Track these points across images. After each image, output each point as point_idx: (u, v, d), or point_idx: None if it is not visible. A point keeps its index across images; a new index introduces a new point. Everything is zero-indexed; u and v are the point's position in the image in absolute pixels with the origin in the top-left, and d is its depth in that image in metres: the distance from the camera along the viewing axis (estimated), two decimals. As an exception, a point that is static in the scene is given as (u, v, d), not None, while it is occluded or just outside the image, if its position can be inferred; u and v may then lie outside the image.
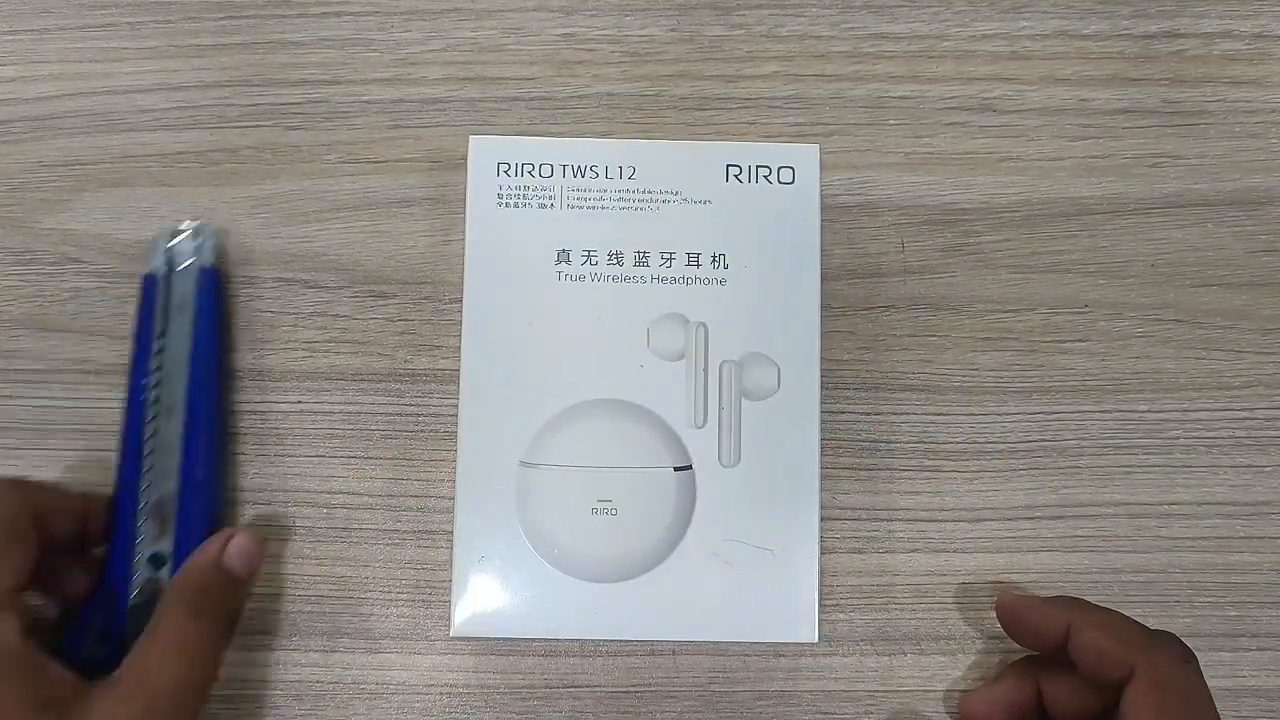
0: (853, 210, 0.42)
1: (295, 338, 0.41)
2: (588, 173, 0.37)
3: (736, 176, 0.37)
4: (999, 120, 0.43)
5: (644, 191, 0.37)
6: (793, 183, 0.38)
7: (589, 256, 0.37)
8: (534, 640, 0.38)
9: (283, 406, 0.41)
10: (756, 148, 0.38)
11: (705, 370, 0.37)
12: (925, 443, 0.41)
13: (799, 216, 0.38)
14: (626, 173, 0.37)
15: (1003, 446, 0.41)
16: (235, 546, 0.36)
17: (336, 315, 0.41)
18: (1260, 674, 0.40)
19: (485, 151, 0.38)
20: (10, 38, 0.43)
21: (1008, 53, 0.43)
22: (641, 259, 0.37)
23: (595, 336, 0.37)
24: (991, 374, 0.42)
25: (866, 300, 0.42)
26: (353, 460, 0.40)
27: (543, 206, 0.37)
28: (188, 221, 0.40)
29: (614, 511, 0.36)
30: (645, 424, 0.36)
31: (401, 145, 0.42)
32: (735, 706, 0.40)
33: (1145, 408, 0.41)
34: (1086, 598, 0.37)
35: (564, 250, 0.37)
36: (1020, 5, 0.43)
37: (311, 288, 0.41)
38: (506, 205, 0.37)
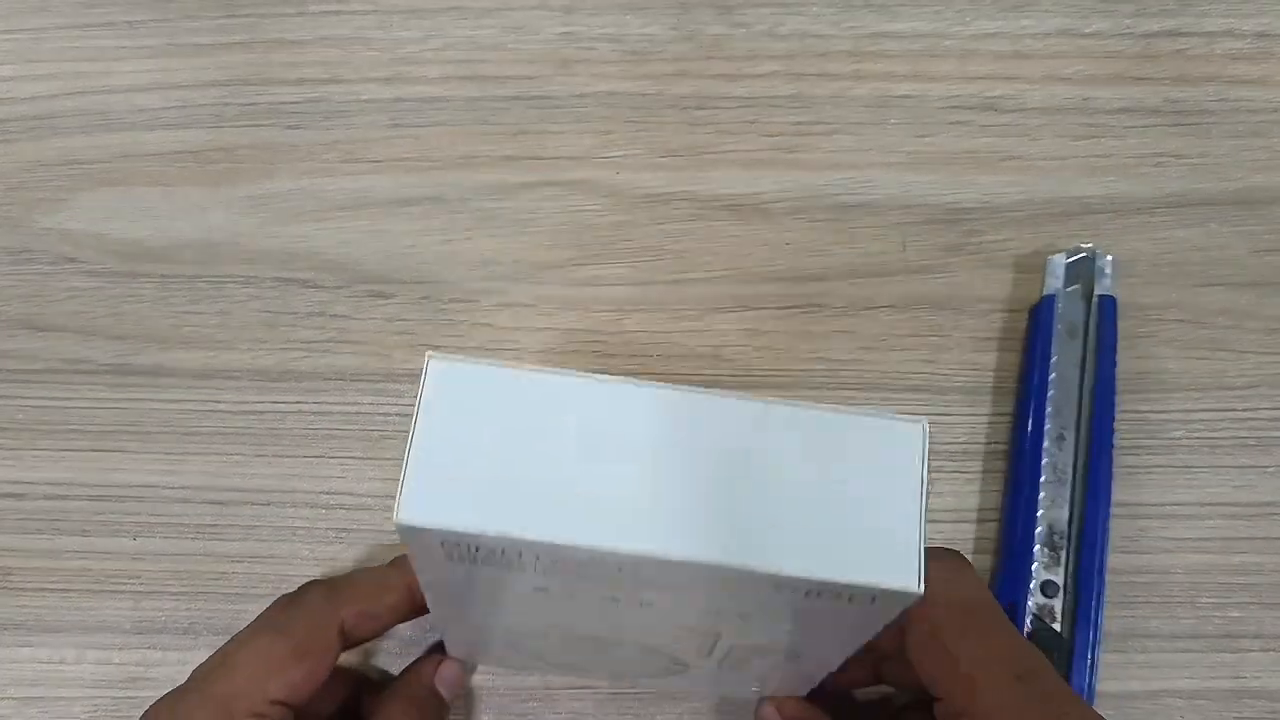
0: (855, 209, 0.42)
1: (294, 338, 0.41)
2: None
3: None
4: (1001, 119, 0.43)
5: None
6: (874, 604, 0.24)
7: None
8: None
9: (281, 406, 0.41)
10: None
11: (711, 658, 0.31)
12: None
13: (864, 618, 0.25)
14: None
15: (1002, 447, 0.41)
16: (445, 672, 0.36)
17: (335, 315, 0.41)
18: (1263, 675, 0.40)
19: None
20: (7, 36, 0.43)
21: (1010, 52, 0.43)
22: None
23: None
24: (993, 374, 0.41)
25: (867, 300, 0.42)
26: (351, 460, 0.40)
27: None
28: (1082, 245, 0.40)
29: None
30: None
31: (401, 145, 0.42)
32: (737, 708, 0.39)
33: (1148, 408, 0.41)
34: (1089, 599, 0.37)
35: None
36: (1022, 4, 0.43)
37: (310, 287, 0.41)
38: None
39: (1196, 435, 0.41)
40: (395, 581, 0.33)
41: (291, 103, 0.42)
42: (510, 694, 0.39)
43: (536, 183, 0.42)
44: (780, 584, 0.22)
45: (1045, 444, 0.38)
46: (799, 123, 0.42)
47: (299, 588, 0.33)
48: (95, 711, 0.39)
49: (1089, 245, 0.39)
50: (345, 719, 0.36)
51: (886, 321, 0.41)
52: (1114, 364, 0.39)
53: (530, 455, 0.22)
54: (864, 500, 0.23)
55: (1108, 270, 0.40)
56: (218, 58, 0.42)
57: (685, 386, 0.23)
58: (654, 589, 0.24)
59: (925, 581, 0.22)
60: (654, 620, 0.26)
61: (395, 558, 0.34)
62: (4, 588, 0.40)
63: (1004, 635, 0.29)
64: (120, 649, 0.39)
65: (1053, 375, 0.39)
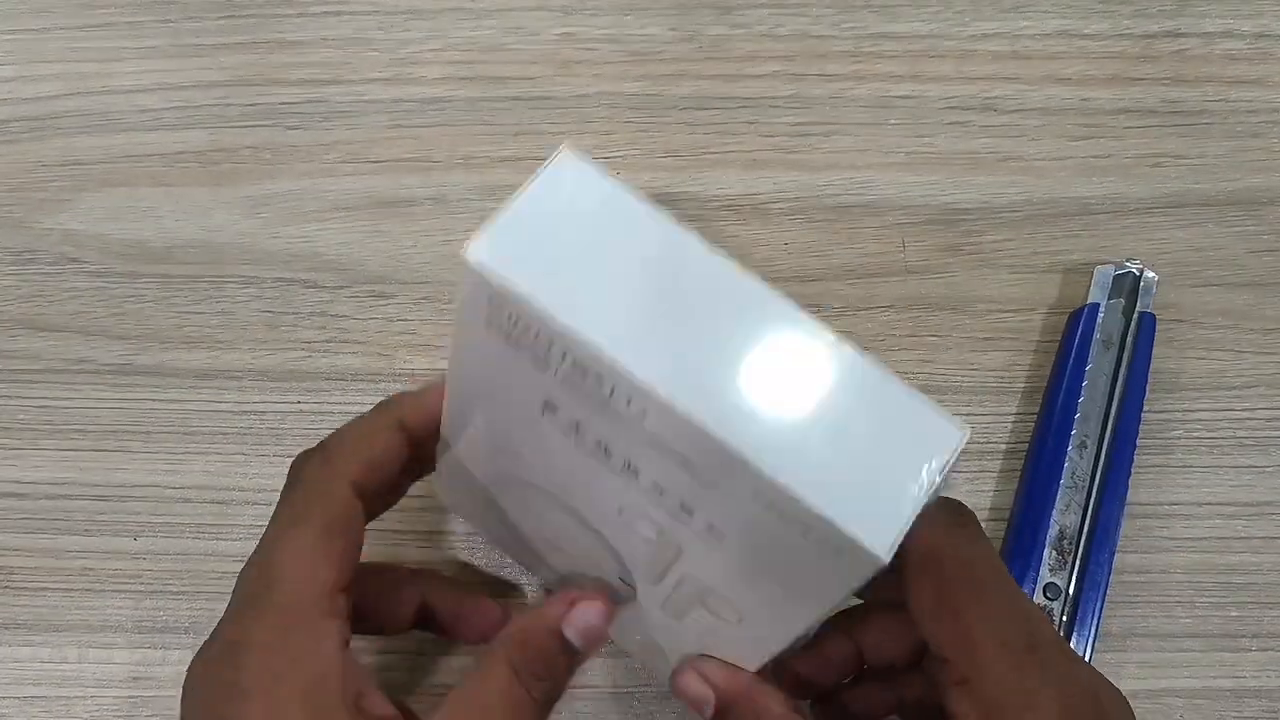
0: (854, 210, 0.42)
1: (295, 338, 0.41)
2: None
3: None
4: (1000, 120, 0.43)
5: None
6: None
7: (578, 428, 0.25)
8: None
9: (282, 406, 0.41)
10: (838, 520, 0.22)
11: (663, 576, 0.29)
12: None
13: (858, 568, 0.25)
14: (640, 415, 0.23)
15: (1003, 446, 0.41)
16: (581, 616, 0.30)
17: (336, 315, 0.41)
18: (1262, 674, 0.40)
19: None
20: (10, 37, 0.43)
21: (1009, 52, 0.43)
22: (628, 466, 0.25)
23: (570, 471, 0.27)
24: (992, 374, 0.41)
25: (866, 300, 0.42)
26: (352, 460, 0.40)
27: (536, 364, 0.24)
28: (1131, 263, 0.40)
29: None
30: (603, 548, 0.30)
31: (401, 145, 0.42)
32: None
33: (1147, 407, 0.41)
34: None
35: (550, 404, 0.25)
36: (1021, 5, 0.43)
37: (311, 288, 0.41)
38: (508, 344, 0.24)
39: (1195, 435, 0.41)
40: (382, 422, 0.31)
41: (293, 103, 0.42)
42: (511, 693, 0.39)
43: (537, 183, 0.42)
44: (760, 489, 0.22)
45: (1069, 449, 0.39)
46: (799, 123, 0.42)
47: (290, 468, 0.31)
48: (97, 711, 0.39)
49: (1137, 261, 0.40)
50: (425, 627, 0.34)
51: (885, 321, 0.42)
52: (1146, 379, 0.40)
53: (606, 268, 0.23)
54: (878, 465, 0.23)
55: (1153, 289, 0.40)
56: (219, 58, 0.42)
57: (780, 291, 0.23)
58: (647, 449, 0.24)
59: (897, 557, 0.22)
60: (630, 501, 0.26)
61: (378, 403, 0.31)
62: (6, 587, 0.40)
63: (1013, 601, 0.28)
64: (122, 648, 0.39)
65: (1085, 382, 0.39)
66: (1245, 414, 0.41)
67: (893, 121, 0.42)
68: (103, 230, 0.42)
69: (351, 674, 0.27)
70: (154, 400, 0.41)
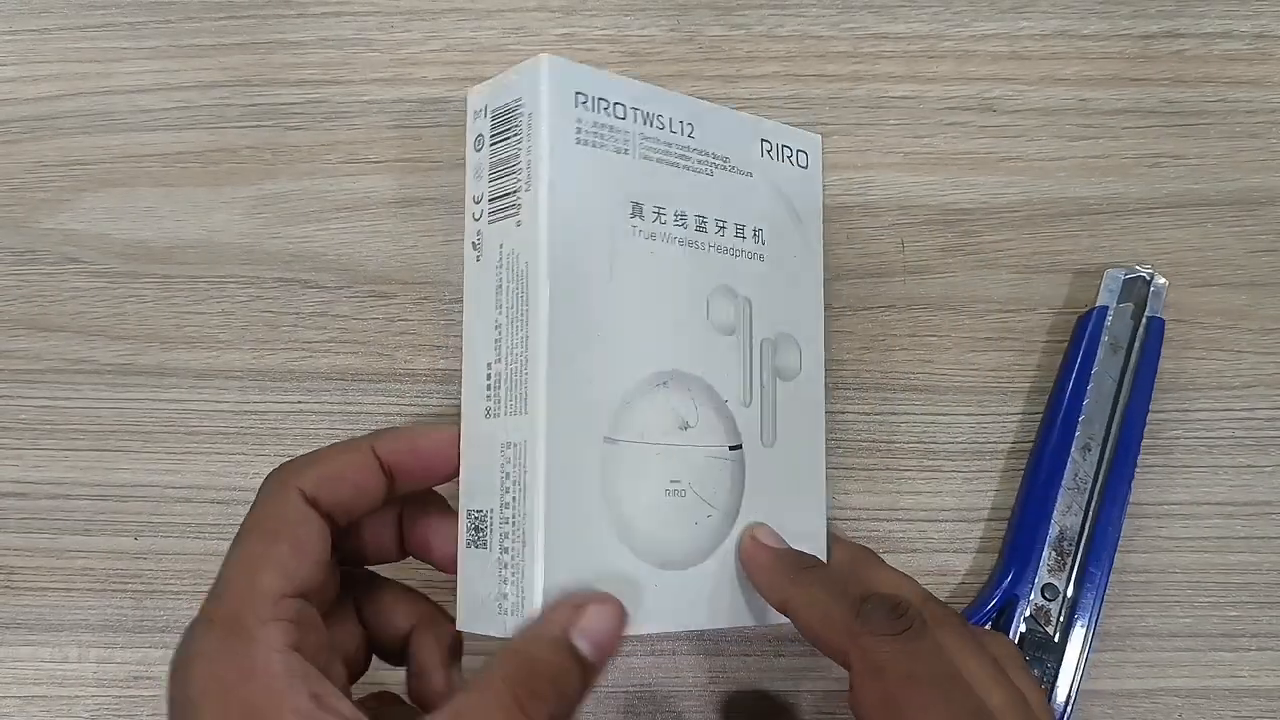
0: (853, 210, 0.42)
1: (295, 338, 0.41)
2: (655, 122, 0.34)
3: (768, 153, 0.37)
4: (999, 120, 0.43)
5: (701, 153, 0.35)
6: (806, 168, 0.38)
7: (659, 214, 0.33)
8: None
9: (283, 406, 0.41)
10: (782, 128, 0.37)
11: (750, 347, 0.35)
12: (925, 443, 0.41)
13: (810, 201, 0.38)
14: (686, 130, 0.34)
15: (1003, 446, 0.41)
16: (592, 622, 0.27)
17: (336, 315, 0.41)
18: (1260, 674, 0.40)
19: (562, 77, 0.32)
20: (10, 37, 0.43)
21: (1007, 53, 0.43)
22: (700, 224, 0.34)
23: (663, 302, 0.33)
24: (992, 374, 0.42)
25: (866, 300, 0.42)
26: (353, 460, 0.40)
27: (618, 152, 0.33)
28: (1141, 267, 0.40)
29: (683, 493, 0.33)
30: (709, 401, 0.34)
31: (401, 145, 0.42)
32: (736, 707, 0.40)
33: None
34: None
35: (638, 204, 0.33)
36: (1020, 5, 0.43)
37: (311, 288, 0.41)
38: (583, 144, 0.32)
39: (1194, 435, 0.41)
40: (349, 444, 0.31)
41: (293, 103, 0.42)
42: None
43: (537, 183, 0.42)
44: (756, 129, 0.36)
45: (1072, 450, 0.39)
46: (798, 123, 0.42)
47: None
48: (98, 710, 0.39)
49: (1148, 266, 0.40)
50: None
51: (885, 322, 0.42)
52: (1152, 384, 0.40)
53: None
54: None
55: (1163, 294, 0.40)
56: (219, 58, 0.42)
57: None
58: (708, 183, 0.35)
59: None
60: (705, 281, 0.34)
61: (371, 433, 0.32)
62: (7, 587, 0.40)
63: (962, 701, 0.27)
64: (123, 648, 0.39)
65: (1090, 385, 0.39)
66: (1244, 414, 0.41)
67: (892, 122, 0.43)
68: (103, 230, 0.42)
69: (303, 676, 0.26)
70: (154, 400, 0.41)
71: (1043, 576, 0.38)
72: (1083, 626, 0.38)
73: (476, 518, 0.31)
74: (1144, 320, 0.40)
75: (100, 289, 0.41)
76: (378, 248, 0.42)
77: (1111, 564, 0.38)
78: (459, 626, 0.31)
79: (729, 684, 0.40)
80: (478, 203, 0.33)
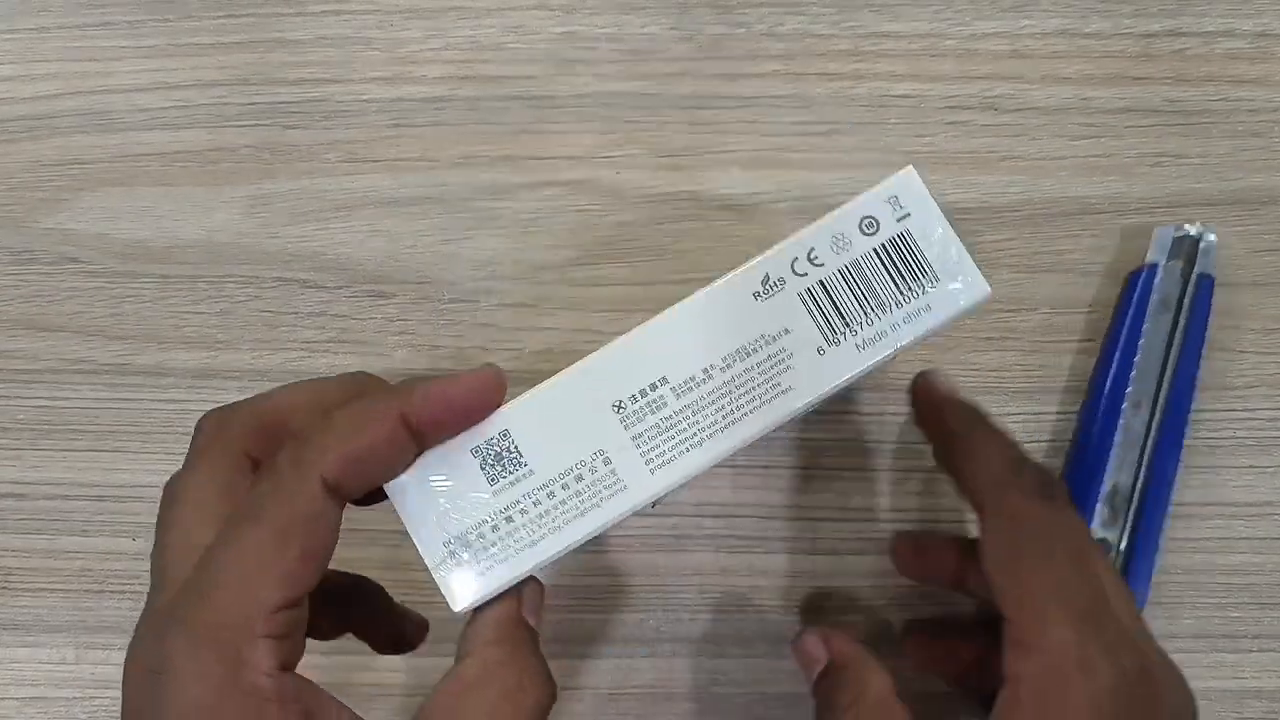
0: (854, 210, 0.42)
1: (295, 338, 0.41)
2: None
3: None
4: (1000, 119, 0.43)
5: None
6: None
7: None
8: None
9: (282, 407, 0.41)
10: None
11: None
12: (925, 443, 0.41)
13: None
14: None
15: (1004, 447, 0.41)
16: (530, 596, 0.28)
17: (336, 315, 0.41)
18: (1263, 675, 0.40)
19: None
20: (8, 36, 0.43)
21: (1009, 51, 0.43)
22: None
23: None
24: (992, 374, 0.41)
25: (867, 300, 0.42)
26: (352, 461, 0.40)
27: None
28: (1190, 225, 0.40)
29: None
30: None
31: (402, 145, 0.42)
32: (736, 708, 0.40)
33: (1147, 408, 0.41)
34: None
35: None
36: (1021, 4, 0.43)
37: (311, 288, 0.41)
38: None
39: (1196, 435, 0.41)
40: (381, 409, 0.26)
41: (292, 103, 0.42)
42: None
43: (537, 183, 0.42)
44: None
45: (1124, 406, 0.39)
46: (799, 123, 0.42)
47: (199, 422, 0.28)
48: (96, 712, 0.39)
49: (1196, 224, 0.40)
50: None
51: (886, 321, 0.41)
52: (1203, 341, 0.40)
53: None
54: None
55: (1212, 251, 0.40)
56: (218, 58, 0.42)
57: None
58: None
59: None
60: None
61: (376, 385, 0.29)
62: (5, 588, 0.40)
63: (1084, 568, 0.28)
64: (121, 649, 0.39)
65: (1141, 340, 0.39)
66: (1246, 414, 0.41)
67: (893, 121, 0.42)
68: (101, 230, 0.42)
69: (295, 696, 0.24)
70: (153, 400, 0.41)
71: (1097, 532, 0.39)
72: (1140, 578, 0.38)
73: None
74: (1194, 277, 0.40)
75: (98, 289, 0.41)
76: (377, 248, 0.41)
77: (1166, 513, 0.39)
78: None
79: (730, 685, 0.40)
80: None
